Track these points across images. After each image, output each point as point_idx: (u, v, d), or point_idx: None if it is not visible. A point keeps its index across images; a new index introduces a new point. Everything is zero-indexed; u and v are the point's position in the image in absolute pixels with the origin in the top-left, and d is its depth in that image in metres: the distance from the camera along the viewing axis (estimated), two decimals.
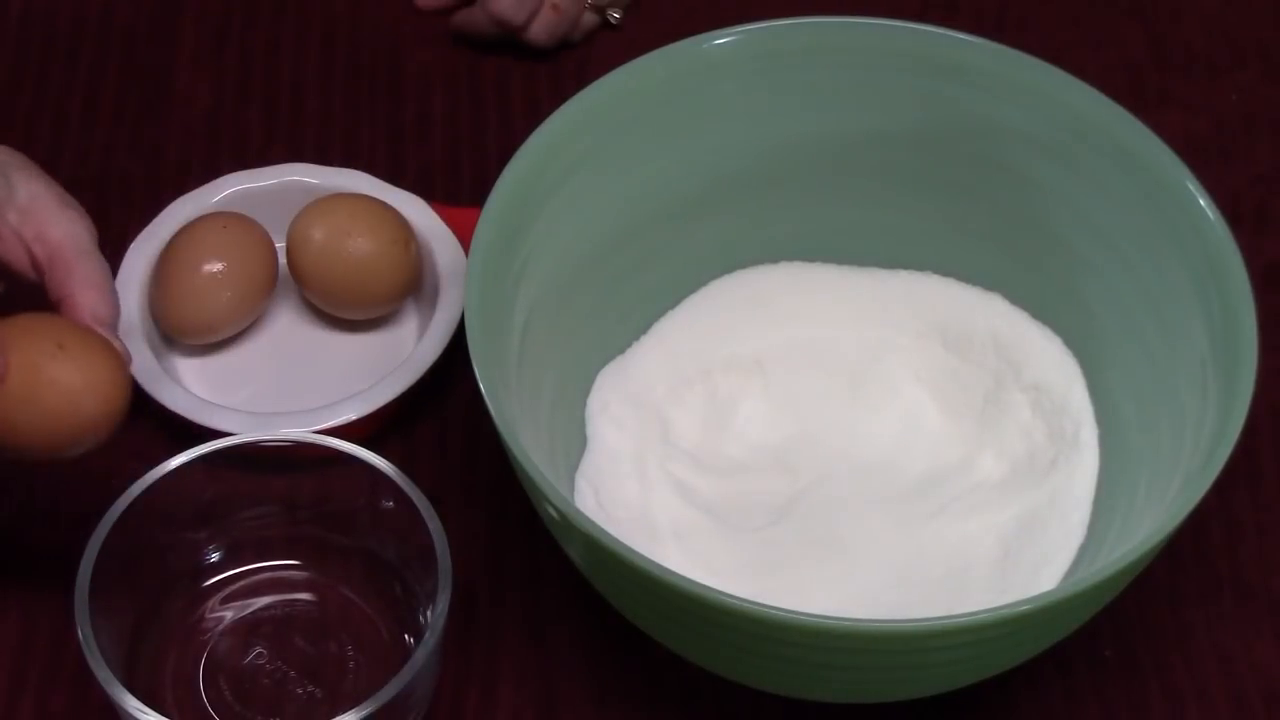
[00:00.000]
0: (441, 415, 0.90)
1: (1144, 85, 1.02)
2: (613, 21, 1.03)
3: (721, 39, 0.85)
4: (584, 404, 0.86)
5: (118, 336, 0.77)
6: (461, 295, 0.77)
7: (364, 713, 0.73)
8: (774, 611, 0.69)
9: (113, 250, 0.91)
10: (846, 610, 0.76)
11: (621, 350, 0.87)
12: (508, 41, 1.02)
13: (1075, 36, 1.04)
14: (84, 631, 0.75)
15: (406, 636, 0.80)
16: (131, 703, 0.74)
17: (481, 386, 0.75)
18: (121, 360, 0.76)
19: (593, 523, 0.72)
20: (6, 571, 0.84)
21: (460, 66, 1.02)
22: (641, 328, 0.88)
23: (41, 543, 0.85)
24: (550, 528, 0.77)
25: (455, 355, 0.87)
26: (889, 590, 0.80)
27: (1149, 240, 0.82)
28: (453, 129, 1.00)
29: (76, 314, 0.77)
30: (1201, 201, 0.80)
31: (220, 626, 0.82)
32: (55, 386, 0.73)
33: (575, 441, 0.84)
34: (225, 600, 0.82)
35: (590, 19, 1.03)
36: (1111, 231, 0.83)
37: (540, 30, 1.01)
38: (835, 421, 0.86)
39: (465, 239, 0.90)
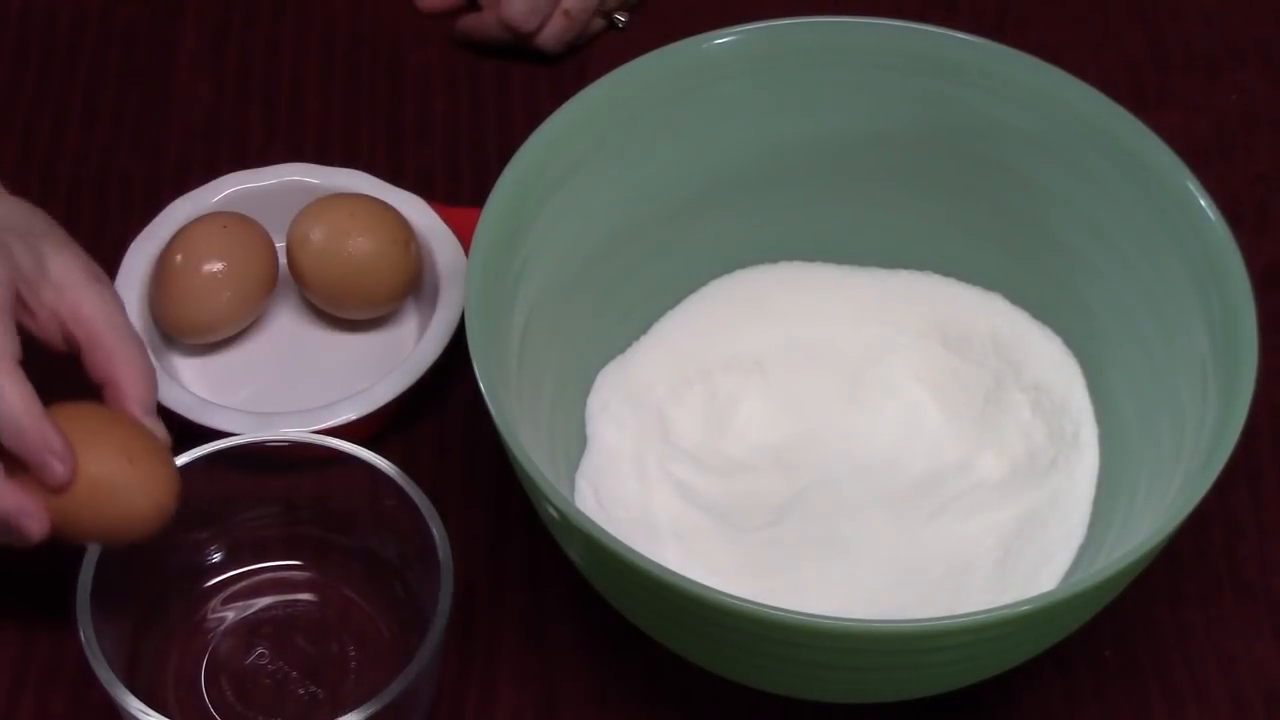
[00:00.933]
0: (441, 415, 0.90)
1: (1144, 85, 1.02)
2: (619, 25, 1.03)
3: (721, 39, 0.85)
4: (584, 404, 0.86)
5: (159, 419, 0.78)
6: (461, 295, 0.77)
7: (368, 712, 0.73)
8: (774, 611, 0.69)
9: (113, 250, 0.92)
10: (846, 610, 0.76)
11: (621, 350, 0.87)
12: (507, 42, 1.01)
13: (1075, 36, 1.04)
14: (86, 633, 0.75)
15: (407, 636, 0.80)
16: (134, 704, 0.74)
17: (481, 386, 0.75)
18: (173, 463, 0.77)
19: (593, 523, 0.72)
20: (7, 572, 0.84)
21: (460, 67, 1.02)
22: (641, 328, 0.88)
23: (42, 544, 0.85)
24: (550, 528, 0.77)
25: (455, 355, 0.87)
26: (889, 590, 0.80)
27: (1149, 240, 0.82)
28: (453, 129, 1.00)
29: (123, 403, 0.77)
30: (1201, 201, 0.80)
31: (222, 627, 0.82)
32: (118, 498, 0.76)
33: (575, 441, 0.84)
34: (227, 601, 0.82)
35: (598, 23, 1.03)
36: (1111, 231, 0.83)
37: (550, 37, 1.00)
38: (835, 421, 0.86)
39: (465, 239, 0.90)
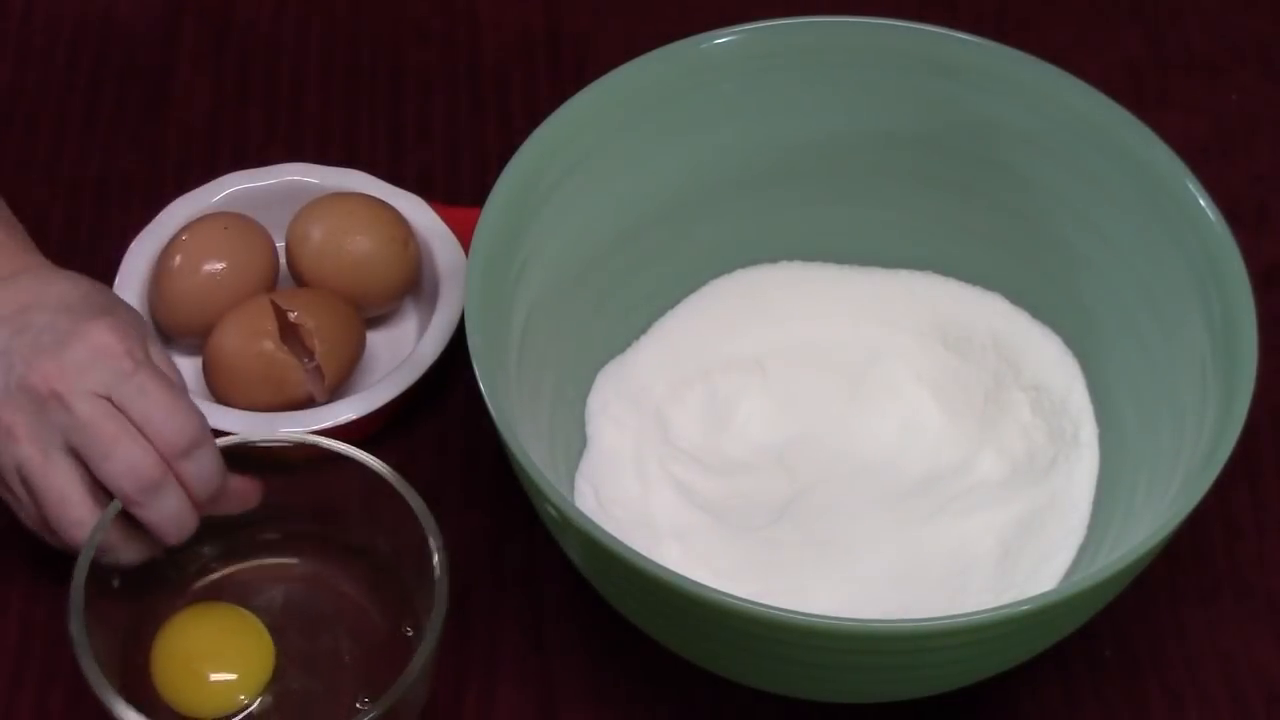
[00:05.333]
0: (441, 415, 0.90)
1: (1144, 85, 1.02)
2: None
3: (721, 39, 0.85)
4: (584, 404, 0.86)
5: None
6: (461, 295, 0.77)
7: (375, 713, 0.74)
8: (774, 611, 0.69)
9: (113, 250, 0.92)
10: (846, 610, 0.76)
11: (621, 350, 0.87)
12: (507, 42, 1.01)
13: (1075, 36, 1.04)
14: (77, 633, 0.75)
15: (404, 628, 0.80)
16: (121, 709, 0.74)
17: (481, 386, 0.75)
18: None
19: (593, 523, 0.72)
20: (6, 571, 0.84)
21: (460, 66, 1.02)
22: (641, 328, 0.88)
23: (40, 543, 0.85)
24: (550, 528, 0.77)
25: (455, 355, 0.87)
26: (889, 590, 0.80)
27: (1149, 240, 0.82)
28: (453, 129, 1.00)
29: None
30: (1201, 201, 0.80)
31: None
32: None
33: (575, 441, 0.84)
34: (221, 597, 0.82)
35: None
36: (1111, 231, 0.83)
37: None
38: (835, 421, 0.86)
39: (465, 239, 0.90)
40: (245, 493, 0.80)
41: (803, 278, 0.89)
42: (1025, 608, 0.70)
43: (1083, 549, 0.81)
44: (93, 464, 0.76)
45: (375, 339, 0.92)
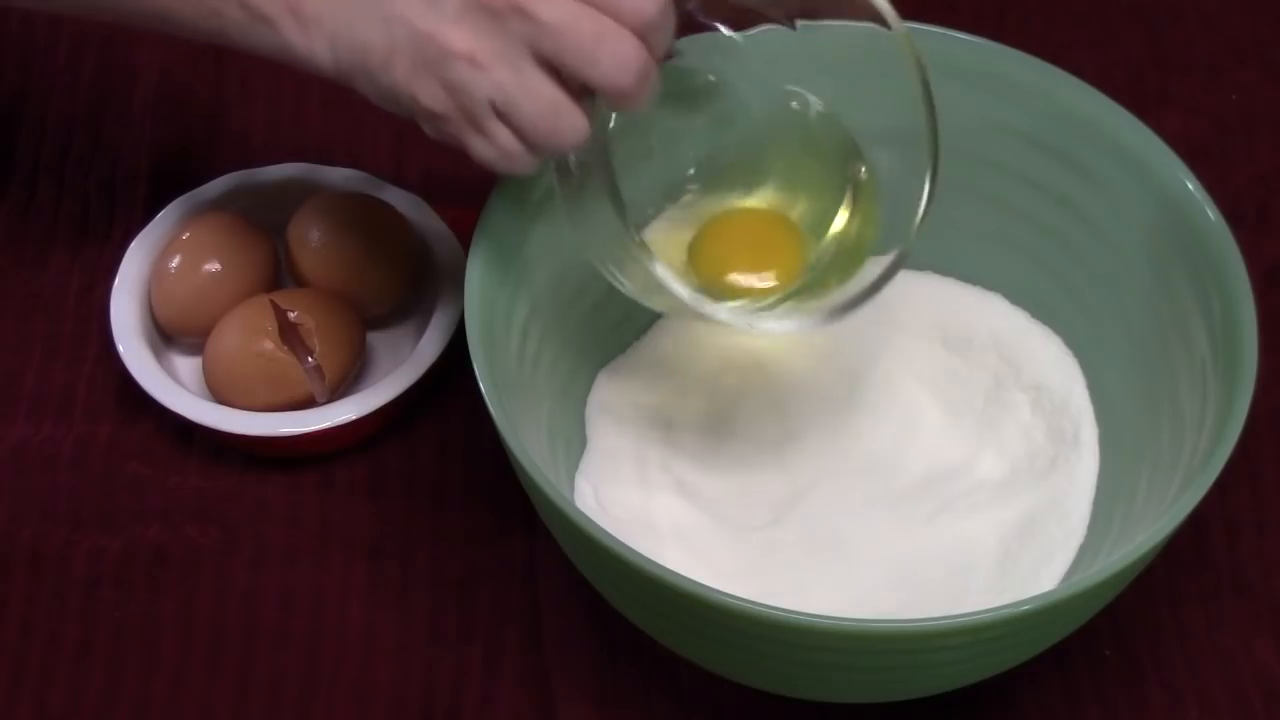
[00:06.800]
0: (441, 415, 0.90)
1: (1144, 85, 1.02)
2: None
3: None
4: (584, 404, 0.86)
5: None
6: (461, 295, 0.77)
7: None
8: (774, 611, 0.69)
9: (113, 250, 0.92)
10: (847, 610, 0.76)
11: (621, 350, 0.87)
12: None
13: (1075, 36, 1.04)
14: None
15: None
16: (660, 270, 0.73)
17: (481, 386, 0.75)
18: None
19: (593, 523, 0.72)
20: (6, 571, 0.84)
21: None
22: (641, 328, 0.88)
23: (41, 543, 0.85)
24: (550, 528, 0.77)
25: (455, 355, 0.87)
26: (889, 590, 0.80)
27: (1149, 240, 0.82)
28: None
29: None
30: (1201, 201, 0.80)
31: None
32: None
33: (575, 441, 0.84)
34: None
35: None
36: (1111, 231, 0.83)
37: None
38: (835, 421, 0.86)
39: (465, 239, 0.90)
40: None
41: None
42: (1025, 608, 0.70)
43: (1083, 549, 0.81)
44: (577, 70, 0.70)
45: (375, 339, 0.92)
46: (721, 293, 0.79)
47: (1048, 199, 0.85)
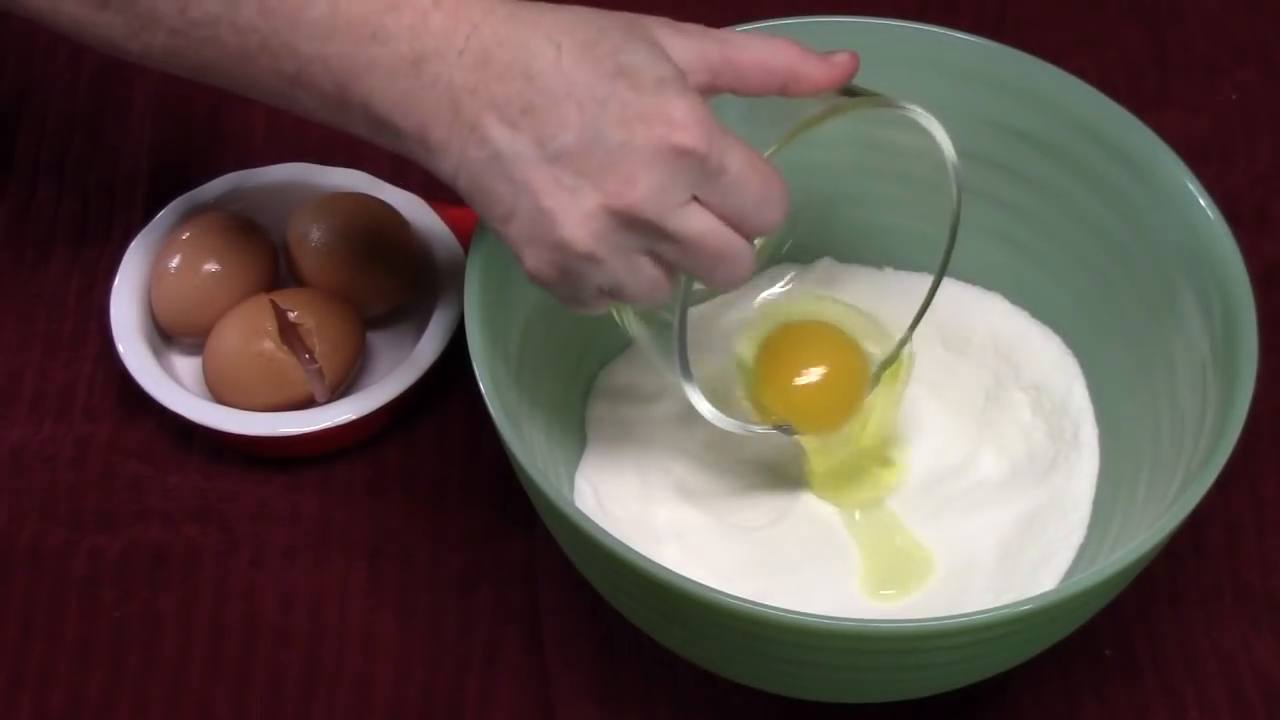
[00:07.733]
0: (441, 415, 0.90)
1: (1144, 85, 1.02)
2: None
3: None
4: (584, 404, 0.86)
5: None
6: (461, 295, 0.77)
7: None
8: (774, 611, 0.69)
9: (113, 250, 0.92)
10: (846, 610, 0.76)
11: (622, 350, 0.87)
12: None
13: (1075, 36, 1.04)
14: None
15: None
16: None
17: (481, 386, 0.75)
18: None
19: (593, 523, 0.72)
20: (6, 572, 0.84)
21: None
22: None
23: (41, 542, 0.85)
24: (550, 528, 0.77)
25: (455, 355, 0.87)
26: (889, 590, 0.80)
27: (1149, 240, 0.82)
28: None
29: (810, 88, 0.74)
30: (1201, 201, 0.80)
31: None
32: None
33: (575, 441, 0.84)
34: None
35: None
36: (1111, 231, 0.83)
37: None
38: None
39: (465, 239, 0.90)
40: None
41: (803, 278, 0.89)
42: (1025, 608, 0.70)
43: (1083, 549, 0.81)
44: (694, 274, 0.72)
45: (375, 339, 0.92)
46: (772, 415, 0.81)
47: (1047, 199, 0.85)
